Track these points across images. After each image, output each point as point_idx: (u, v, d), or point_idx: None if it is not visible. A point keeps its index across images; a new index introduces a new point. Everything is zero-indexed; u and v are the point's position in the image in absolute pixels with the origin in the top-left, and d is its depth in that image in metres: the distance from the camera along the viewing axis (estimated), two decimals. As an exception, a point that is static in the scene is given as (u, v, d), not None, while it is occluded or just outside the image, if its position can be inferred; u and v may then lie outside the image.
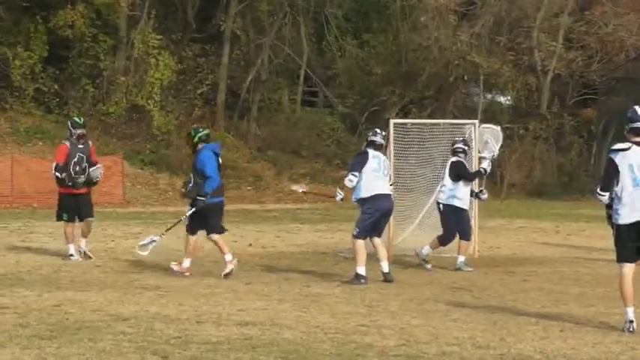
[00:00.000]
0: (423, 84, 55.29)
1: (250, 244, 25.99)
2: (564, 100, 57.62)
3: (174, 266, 19.20)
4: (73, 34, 47.89)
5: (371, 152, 18.88)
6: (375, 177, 18.53)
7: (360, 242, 18.35)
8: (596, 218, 32.54)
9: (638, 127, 13.10)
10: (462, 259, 21.33)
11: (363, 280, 18.25)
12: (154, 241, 20.71)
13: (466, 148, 22.07)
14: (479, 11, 55.98)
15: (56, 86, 48.78)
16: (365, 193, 18.61)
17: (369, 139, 19.42)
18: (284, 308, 15.05)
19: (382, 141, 19.30)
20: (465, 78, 55.56)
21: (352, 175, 18.31)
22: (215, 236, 18.91)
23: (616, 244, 13.40)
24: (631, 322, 13.05)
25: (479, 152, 23.17)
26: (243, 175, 49.08)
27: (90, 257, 21.81)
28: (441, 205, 21.44)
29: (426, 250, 21.71)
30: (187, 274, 18.79)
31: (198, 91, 51.83)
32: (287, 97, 56.12)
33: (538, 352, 12.24)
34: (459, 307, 15.80)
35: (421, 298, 16.77)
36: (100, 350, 11.21)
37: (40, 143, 45.71)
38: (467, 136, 23.53)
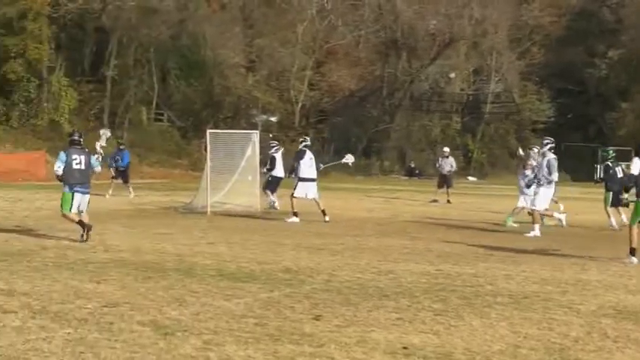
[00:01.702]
0: (226, 109, 58.61)
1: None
2: (308, 119, 62.05)
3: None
4: (16, 76, 49.79)
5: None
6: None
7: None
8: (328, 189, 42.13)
9: None
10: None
11: None
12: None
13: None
14: (258, 65, 59.61)
15: (4, 108, 50.85)
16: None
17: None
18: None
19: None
20: (250, 105, 59.27)
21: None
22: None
23: None
24: None
25: None
26: None
27: None
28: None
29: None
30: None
31: (92, 112, 54.22)
32: (146, 116, 57.55)
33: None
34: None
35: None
36: (33, 267, 12.21)
37: None
38: (252, 141, 25.55)
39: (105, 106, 54.50)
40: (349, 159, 25.56)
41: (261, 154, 25.80)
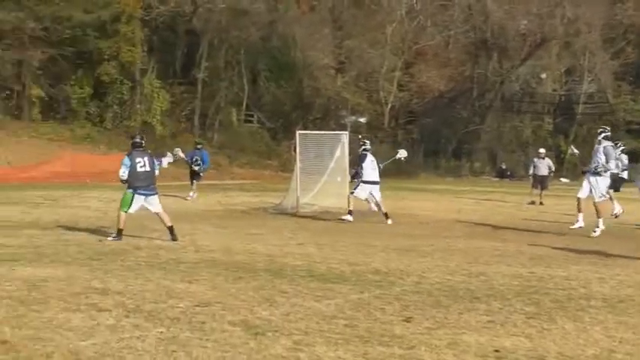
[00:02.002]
0: (315, 110, 59.14)
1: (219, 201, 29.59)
2: (397, 120, 62.51)
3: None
4: (110, 78, 51.27)
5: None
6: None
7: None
8: (418, 190, 40.49)
9: None
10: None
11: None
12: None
13: None
14: (347, 67, 59.92)
15: (98, 110, 52.31)
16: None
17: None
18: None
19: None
20: (340, 107, 59.62)
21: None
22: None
23: None
24: None
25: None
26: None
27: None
28: None
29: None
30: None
31: (183, 114, 55.58)
32: (236, 117, 58.65)
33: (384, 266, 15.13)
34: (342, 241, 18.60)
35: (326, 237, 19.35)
36: (126, 267, 12.30)
37: (88, 145, 48.52)
38: (341, 142, 25.41)
39: (196, 107, 55.74)
40: (402, 154, 25.00)
41: (350, 154, 25.48)
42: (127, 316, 9.01)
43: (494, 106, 67.02)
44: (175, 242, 16.01)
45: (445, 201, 32.72)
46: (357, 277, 12.22)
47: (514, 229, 21.24)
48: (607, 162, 19.53)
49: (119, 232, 16.35)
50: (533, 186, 33.34)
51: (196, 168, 30.29)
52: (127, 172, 16.35)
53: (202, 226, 19.92)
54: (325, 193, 25.46)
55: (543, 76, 69.42)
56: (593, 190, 19.58)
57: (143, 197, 16.54)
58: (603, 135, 19.80)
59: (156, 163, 16.94)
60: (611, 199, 22.41)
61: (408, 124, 63.95)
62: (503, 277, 12.51)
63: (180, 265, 12.95)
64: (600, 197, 19.72)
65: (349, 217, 21.77)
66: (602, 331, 8.83)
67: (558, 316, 9.52)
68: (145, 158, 16.56)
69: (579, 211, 20.19)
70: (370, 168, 22.19)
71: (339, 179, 25.39)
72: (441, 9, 63.60)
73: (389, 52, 60.21)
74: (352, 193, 22.14)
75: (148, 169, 16.47)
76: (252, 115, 60.67)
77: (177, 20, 55.16)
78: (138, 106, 52.80)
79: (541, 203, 31.47)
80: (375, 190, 22.38)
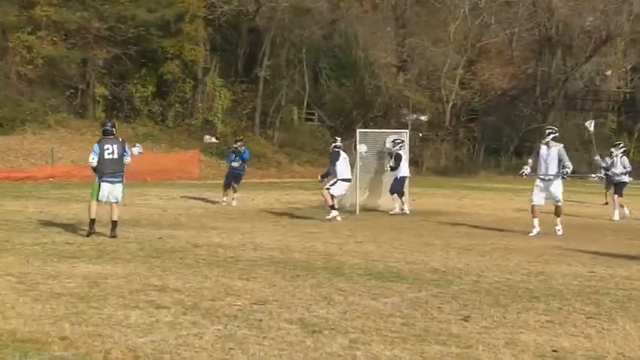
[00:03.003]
0: (376, 108, 58.31)
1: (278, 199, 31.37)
2: (459, 118, 61.72)
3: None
4: (172, 77, 50.90)
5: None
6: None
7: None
8: (478, 188, 39.36)
9: None
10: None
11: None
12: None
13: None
14: (409, 65, 59.51)
15: (161, 108, 52.17)
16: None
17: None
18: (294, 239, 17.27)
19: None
20: (401, 105, 59.50)
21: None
22: None
23: None
24: None
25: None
26: (270, 161, 52.08)
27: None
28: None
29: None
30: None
31: (244, 112, 55.07)
32: (297, 116, 58.86)
33: (442, 265, 15.54)
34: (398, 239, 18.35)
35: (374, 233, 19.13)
36: (185, 264, 12.38)
37: (150, 144, 48.16)
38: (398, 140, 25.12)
39: (257, 105, 55.58)
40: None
41: (411, 153, 25.56)
42: (185, 314, 9.05)
43: (558, 104, 66.31)
44: (115, 238, 15.91)
45: (505, 199, 32.46)
46: (415, 275, 12.21)
47: (574, 227, 20.98)
48: (566, 162, 18.73)
49: (91, 223, 16.35)
50: (607, 187, 32.67)
51: (236, 169, 27.14)
52: (95, 159, 16.31)
53: (261, 224, 20.02)
54: (384, 191, 25.40)
55: (608, 73, 68.46)
56: (552, 193, 18.85)
57: (110, 185, 16.42)
58: (552, 136, 19.03)
59: (127, 151, 16.86)
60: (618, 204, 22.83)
61: (470, 122, 63.44)
62: (563, 276, 12.40)
63: (238, 263, 12.97)
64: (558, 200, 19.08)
65: (335, 213, 21.54)
66: (664, 332, 8.67)
67: (619, 317, 9.41)
68: (115, 146, 16.44)
69: (535, 217, 19.17)
70: (343, 165, 22.08)
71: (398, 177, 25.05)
72: (505, 6, 63.03)
73: (451, 49, 59.82)
74: (329, 190, 21.80)
75: (115, 156, 16.36)
76: (312, 114, 60.52)
77: (240, 19, 55.30)
78: (200, 104, 52.87)
79: (606, 203, 30.84)
80: (347, 186, 22.44)
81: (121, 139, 16.99)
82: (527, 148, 64.45)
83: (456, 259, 14.12)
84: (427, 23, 59.86)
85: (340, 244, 15.94)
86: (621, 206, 24.25)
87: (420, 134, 56.29)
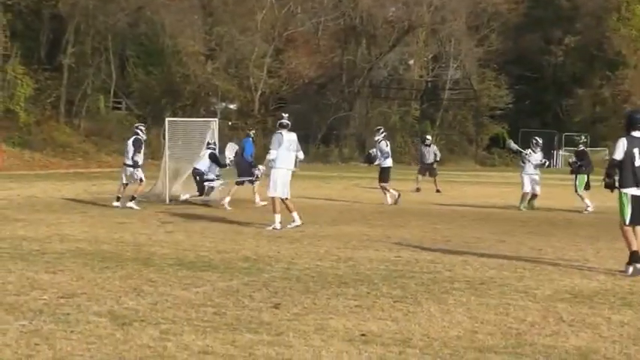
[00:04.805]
0: (185, 97, 57.49)
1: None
2: (267, 106, 61.61)
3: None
4: None
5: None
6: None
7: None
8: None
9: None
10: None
11: None
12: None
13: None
14: (217, 53, 58.75)
15: None
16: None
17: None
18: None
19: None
20: (210, 93, 59.13)
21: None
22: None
23: None
24: None
25: None
26: (76, 151, 50.99)
27: None
28: None
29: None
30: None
31: (48, 100, 53.16)
32: (104, 104, 57.04)
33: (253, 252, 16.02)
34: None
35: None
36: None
37: None
38: (211, 130, 24.58)
39: (62, 94, 53.95)
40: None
41: (220, 141, 25.34)
42: (-13, 310, 8.71)
43: (363, 93, 67.73)
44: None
45: (313, 187, 32.73)
46: (226, 264, 12.24)
47: (381, 213, 21.70)
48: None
49: None
50: (420, 173, 33.52)
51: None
52: None
53: (68, 215, 19.59)
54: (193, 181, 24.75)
55: (411, 62, 70.43)
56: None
57: None
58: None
59: None
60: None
61: (278, 111, 63.53)
62: (371, 261, 12.71)
63: (44, 256, 12.66)
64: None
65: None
66: (465, 313, 9.06)
67: (423, 299, 9.72)
68: None
69: None
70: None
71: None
72: (310, -4, 63.79)
73: (259, 38, 60.02)
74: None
75: None
76: (120, 102, 59.27)
77: (42, 5, 53.50)
78: (0, 92, 50.87)
79: (438, 191, 31.53)
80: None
81: None
82: (334, 136, 65.62)
83: (266, 247, 14.21)
84: (234, 12, 59.74)
85: (150, 235, 15.81)
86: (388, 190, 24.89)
87: (230, 123, 56.16)
